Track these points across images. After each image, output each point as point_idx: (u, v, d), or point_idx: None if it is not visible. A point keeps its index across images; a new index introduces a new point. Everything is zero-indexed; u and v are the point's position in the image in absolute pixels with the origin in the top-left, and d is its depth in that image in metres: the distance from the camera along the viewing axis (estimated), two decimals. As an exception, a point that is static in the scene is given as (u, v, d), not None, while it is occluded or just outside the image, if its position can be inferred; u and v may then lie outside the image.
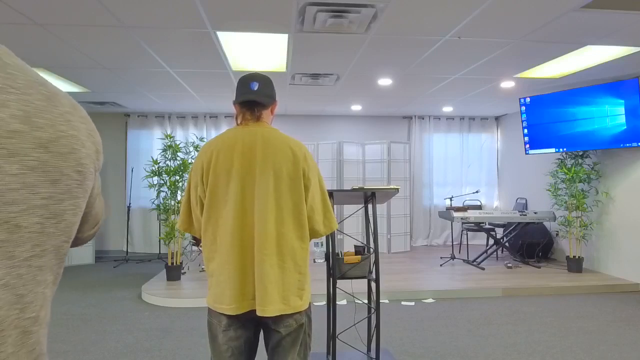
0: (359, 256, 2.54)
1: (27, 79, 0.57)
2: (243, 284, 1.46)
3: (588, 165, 5.44)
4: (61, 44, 3.54)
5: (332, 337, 2.57)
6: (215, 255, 1.50)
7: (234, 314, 1.45)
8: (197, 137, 6.63)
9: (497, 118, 7.89)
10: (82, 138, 0.63)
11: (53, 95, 0.60)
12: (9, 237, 0.53)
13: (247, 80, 1.57)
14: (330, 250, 2.54)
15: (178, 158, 5.29)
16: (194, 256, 6.45)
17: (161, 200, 5.23)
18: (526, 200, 6.93)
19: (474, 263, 5.79)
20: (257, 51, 3.83)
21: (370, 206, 2.76)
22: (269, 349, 1.55)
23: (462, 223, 6.32)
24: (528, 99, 5.66)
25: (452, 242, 6.51)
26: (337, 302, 2.94)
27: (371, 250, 2.65)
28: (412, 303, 4.36)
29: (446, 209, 6.04)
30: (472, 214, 5.57)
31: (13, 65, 0.56)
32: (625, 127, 4.69)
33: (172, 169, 5.22)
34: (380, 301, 2.67)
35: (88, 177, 0.65)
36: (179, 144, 5.38)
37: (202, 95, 5.74)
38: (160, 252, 6.94)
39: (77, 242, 0.79)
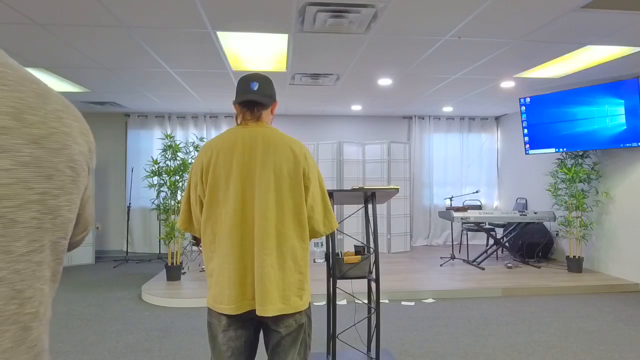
0: (359, 256, 2.55)
1: (18, 75, 0.58)
2: (243, 284, 1.46)
3: (588, 165, 5.44)
4: (61, 44, 3.55)
5: (332, 337, 2.57)
6: (215, 255, 1.50)
7: (234, 313, 1.45)
8: (197, 137, 6.63)
9: (497, 118, 7.89)
10: (74, 135, 0.64)
11: (45, 92, 0.61)
12: (5, 231, 0.53)
13: (247, 80, 1.57)
14: (330, 250, 2.54)
15: (178, 158, 5.29)
16: (194, 256, 6.45)
17: (161, 200, 5.24)
18: (526, 200, 6.93)
19: (474, 263, 5.79)
20: (257, 51, 3.83)
21: (370, 206, 2.76)
22: (269, 349, 1.55)
23: (462, 223, 6.32)
24: (528, 99, 5.66)
25: (452, 242, 6.51)
26: (337, 302, 2.94)
27: (371, 250, 2.65)
28: (412, 303, 4.36)
29: (446, 209, 6.04)
30: (472, 214, 5.57)
31: (4, 63, 0.57)
32: (625, 127, 4.69)
33: (172, 169, 5.22)
34: (380, 301, 2.67)
35: (81, 174, 0.65)
36: (179, 144, 5.38)
37: (202, 95, 5.74)
38: (160, 252, 6.94)
39: (68, 246, 0.77)
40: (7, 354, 0.54)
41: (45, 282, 0.60)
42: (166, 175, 5.22)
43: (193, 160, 4.57)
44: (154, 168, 5.25)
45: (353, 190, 2.60)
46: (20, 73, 0.58)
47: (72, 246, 0.79)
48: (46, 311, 0.61)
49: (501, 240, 6.15)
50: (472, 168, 7.81)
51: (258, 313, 1.44)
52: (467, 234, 6.61)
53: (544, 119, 5.51)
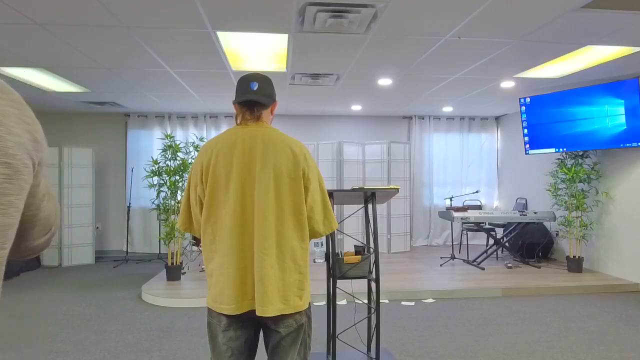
0: (359, 256, 2.54)
1: None
2: (243, 284, 1.46)
3: (588, 165, 5.44)
4: (61, 44, 3.54)
5: (332, 337, 2.57)
6: (215, 255, 1.50)
7: (234, 314, 1.45)
8: (197, 137, 6.63)
9: (497, 118, 7.89)
10: (8, 124, 0.53)
11: None
12: None
13: (247, 80, 1.57)
14: (330, 250, 2.54)
15: (178, 158, 5.29)
16: (194, 256, 6.45)
17: (161, 200, 5.24)
18: (526, 200, 6.93)
19: (474, 263, 5.79)
20: (257, 51, 3.83)
21: (370, 206, 2.76)
22: (268, 349, 1.55)
23: (462, 223, 6.32)
24: (528, 99, 5.66)
25: (452, 242, 6.51)
26: (337, 302, 2.94)
27: (371, 250, 2.65)
28: (412, 303, 4.36)
29: (446, 209, 6.04)
30: (472, 214, 5.57)
31: None
32: (625, 127, 4.69)
33: (172, 169, 5.22)
34: (380, 301, 2.67)
35: (22, 171, 0.55)
36: (179, 144, 5.38)
37: (202, 95, 5.74)
38: (160, 252, 6.94)
39: (27, 252, 0.67)
40: None
41: None
42: (166, 175, 5.22)
43: (193, 160, 4.57)
44: (154, 168, 5.25)
45: (353, 190, 2.60)
46: None
47: (33, 251, 0.68)
48: None
49: (501, 240, 6.15)
50: (472, 168, 7.80)
51: (258, 313, 1.43)
52: (467, 234, 6.61)
53: (544, 119, 5.51)
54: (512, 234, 6.01)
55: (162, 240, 5.24)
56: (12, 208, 0.54)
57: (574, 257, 5.37)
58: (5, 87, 0.56)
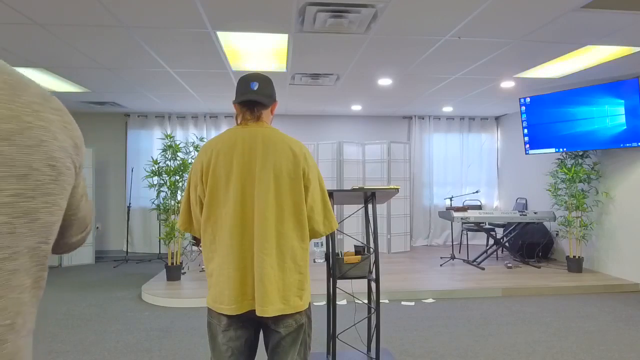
0: (359, 256, 2.54)
1: None
2: (243, 284, 1.46)
3: (588, 165, 5.44)
4: (61, 44, 3.54)
5: (332, 337, 2.57)
6: (215, 255, 1.50)
7: (234, 314, 1.45)
8: (197, 137, 6.63)
9: (497, 118, 7.89)
10: (53, 130, 0.58)
11: (19, 83, 0.56)
12: None
13: (247, 80, 1.57)
14: (330, 250, 2.54)
15: (178, 158, 5.29)
16: (194, 256, 6.45)
17: (161, 200, 5.24)
18: (526, 200, 6.93)
19: (474, 263, 5.79)
20: (257, 51, 3.83)
21: (370, 206, 2.76)
22: (268, 349, 1.55)
23: (462, 223, 6.32)
24: (528, 99, 5.66)
25: (452, 242, 6.51)
26: (337, 302, 2.94)
27: (371, 250, 2.65)
28: (412, 303, 4.36)
29: (446, 209, 6.04)
30: (472, 214, 5.57)
31: None
32: (625, 127, 4.69)
33: (172, 169, 5.22)
34: (380, 301, 2.67)
35: (64, 173, 0.60)
36: (179, 144, 5.38)
37: (202, 95, 5.74)
38: (160, 252, 6.94)
39: (64, 248, 0.72)
40: None
41: (23, 290, 0.55)
42: (166, 175, 5.22)
43: (193, 160, 4.57)
44: (154, 168, 5.25)
45: (353, 190, 2.60)
46: None
47: (70, 247, 0.74)
48: (25, 322, 0.56)
49: (501, 240, 6.15)
50: (472, 168, 7.81)
51: (258, 313, 1.43)
52: (467, 234, 6.61)
53: (544, 119, 5.51)
54: (512, 234, 6.01)
55: (162, 240, 5.24)
56: (56, 206, 0.59)
57: (574, 257, 5.37)
58: (48, 95, 0.61)
